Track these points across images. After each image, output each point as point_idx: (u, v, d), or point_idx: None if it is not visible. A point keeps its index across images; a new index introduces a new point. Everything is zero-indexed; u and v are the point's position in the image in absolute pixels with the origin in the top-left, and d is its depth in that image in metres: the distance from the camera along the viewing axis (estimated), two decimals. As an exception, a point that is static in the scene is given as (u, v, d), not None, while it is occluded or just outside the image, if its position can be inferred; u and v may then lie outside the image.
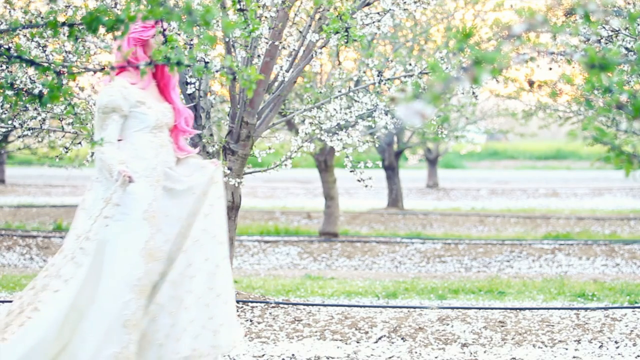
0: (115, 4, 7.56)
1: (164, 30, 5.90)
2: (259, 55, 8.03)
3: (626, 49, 7.62)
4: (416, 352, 7.21)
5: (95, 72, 4.96)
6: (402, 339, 7.61)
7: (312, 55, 8.05)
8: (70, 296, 5.78)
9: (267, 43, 7.90)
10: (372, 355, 7.16)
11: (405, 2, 7.77)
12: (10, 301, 8.88)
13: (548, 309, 8.70)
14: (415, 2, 7.77)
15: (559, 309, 8.70)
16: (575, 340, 7.56)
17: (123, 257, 5.85)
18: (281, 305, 8.62)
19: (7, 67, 7.67)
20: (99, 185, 5.98)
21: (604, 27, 7.67)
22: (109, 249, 5.85)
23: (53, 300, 5.78)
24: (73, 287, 5.79)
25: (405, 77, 8.10)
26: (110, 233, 5.86)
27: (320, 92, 9.49)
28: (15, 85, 7.40)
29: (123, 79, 6.06)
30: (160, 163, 6.04)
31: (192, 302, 5.94)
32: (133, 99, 6.03)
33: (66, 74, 4.38)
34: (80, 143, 8.26)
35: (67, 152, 8.22)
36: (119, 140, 6.02)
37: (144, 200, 5.93)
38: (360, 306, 8.85)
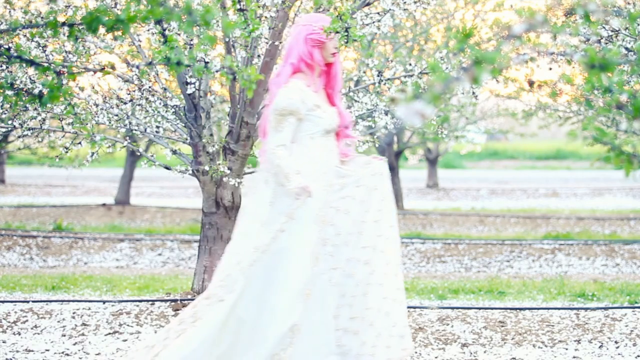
0: (115, 4, 7.56)
1: (164, 30, 5.90)
2: (259, 55, 8.03)
3: (626, 49, 7.62)
4: (416, 352, 7.21)
5: (95, 72, 4.97)
6: (402, 339, 7.61)
7: (312, 55, 8.04)
8: (228, 305, 5.73)
9: (267, 43, 7.90)
10: (372, 355, 7.15)
11: (405, 2, 7.77)
12: (10, 301, 8.88)
13: (548, 309, 8.70)
14: (415, 2, 7.77)
15: (559, 309, 8.70)
16: (575, 340, 7.55)
17: (295, 263, 5.76)
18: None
19: (7, 67, 7.67)
20: (266, 187, 5.89)
21: (604, 27, 7.67)
22: (284, 258, 5.77)
23: (210, 312, 5.75)
24: (232, 298, 5.73)
25: (405, 77, 8.10)
26: (285, 242, 5.78)
27: (320, 92, 9.49)
28: (15, 85, 7.40)
29: (299, 81, 5.91)
30: (330, 167, 5.95)
31: (388, 307, 5.86)
32: (310, 102, 5.89)
33: (66, 74, 4.38)
34: (80, 143, 8.26)
35: (67, 152, 8.22)
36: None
37: (316, 204, 5.83)
38: (360, 306, 8.84)
